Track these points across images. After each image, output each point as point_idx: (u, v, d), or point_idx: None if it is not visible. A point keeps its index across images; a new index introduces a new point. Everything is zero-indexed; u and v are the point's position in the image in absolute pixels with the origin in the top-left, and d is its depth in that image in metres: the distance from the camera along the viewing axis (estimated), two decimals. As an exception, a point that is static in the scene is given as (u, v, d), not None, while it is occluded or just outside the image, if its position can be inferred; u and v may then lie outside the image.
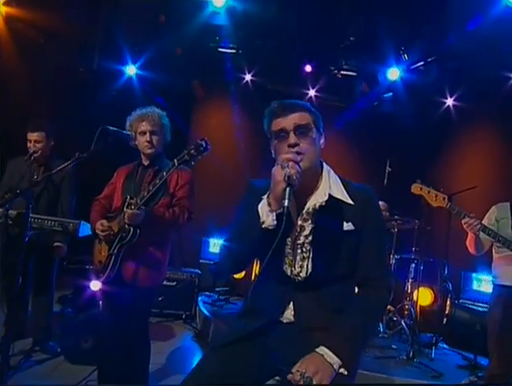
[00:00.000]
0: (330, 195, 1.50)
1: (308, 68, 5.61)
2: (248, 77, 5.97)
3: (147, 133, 2.58)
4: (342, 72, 5.32)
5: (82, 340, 3.12)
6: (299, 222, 1.52)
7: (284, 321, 1.54)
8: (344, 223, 1.50)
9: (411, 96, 5.38)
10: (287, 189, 1.33)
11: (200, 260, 5.50)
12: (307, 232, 1.51)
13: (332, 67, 5.39)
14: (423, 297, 4.62)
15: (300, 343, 1.45)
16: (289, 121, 1.49)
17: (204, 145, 2.21)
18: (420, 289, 4.22)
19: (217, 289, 5.13)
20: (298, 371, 1.34)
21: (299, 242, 1.53)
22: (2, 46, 4.63)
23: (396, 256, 4.41)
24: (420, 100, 5.48)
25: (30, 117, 3.48)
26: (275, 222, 1.38)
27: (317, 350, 1.39)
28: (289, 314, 1.53)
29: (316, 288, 1.51)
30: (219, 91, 6.01)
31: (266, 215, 1.39)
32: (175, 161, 2.28)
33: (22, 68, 4.67)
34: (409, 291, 4.37)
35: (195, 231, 5.29)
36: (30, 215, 2.89)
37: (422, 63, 4.89)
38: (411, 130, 5.29)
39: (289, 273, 1.55)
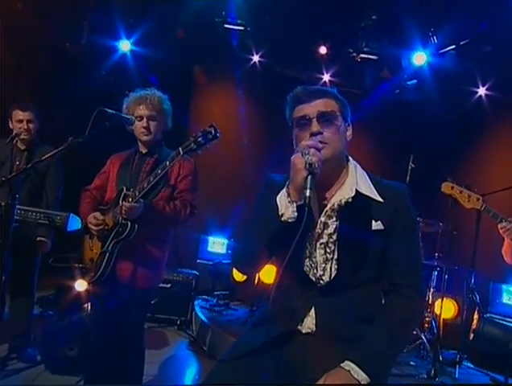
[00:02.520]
0: (357, 190, 1.49)
1: (323, 50, 5.55)
2: (256, 58, 5.90)
3: (144, 118, 2.53)
4: (361, 56, 5.27)
5: (66, 347, 3.07)
6: (322, 219, 1.50)
7: (304, 330, 1.51)
8: (373, 222, 1.49)
9: (439, 84, 5.33)
10: (309, 178, 1.32)
11: (198, 261, 5.48)
12: (331, 230, 1.50)
13: (351, 49, 5.34)
14: (447, 309, 4.58)
15: (322, 357, 1.43)
16: (312, 107, 1.49)
17: (213, 132, 2.14)
18: (443, 300, 4.18)
19: (216, 293, 5.11)
20: None
21: (322, 241, 1.51)
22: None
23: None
24: (449, 89, 5.41)
25: (11, 100, 3.43)
26: (296, 214, 1.37)
27: (342, 365, 1.37)
28: (310, 323, 1.51)
29: (341, 293, 1.50)
30: (223, 73, 5.96)
31: (286, 207, 1.38)
32: (180, 149, 2.23)
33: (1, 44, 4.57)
34: (430, 302, 4.33)
35: (192, 228, 5.23)
36: (14, 206, 2.89)
37: (453, 47, 4.82)
38: (438, 122, 5.24)
39: (310, 277, 1.53)
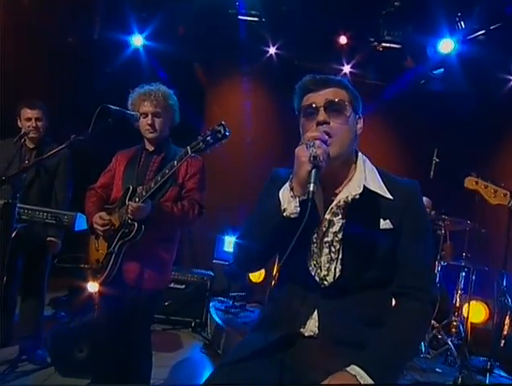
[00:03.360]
0: (365, 187, 1.46)
1: (343, 40, 5.48)
2: (272, 50, 5.86)
3: (149, 115, 2.53)
4: (383, 45, 5.20)
5: (75, 349, 3.10)
6: (328, 216, 1.48)
7: (306, 333, 1.48)
8: (381, 221, 1.46)
9: (468, 72, 5.21)
10: (313, 171, 1.30)
11: (214, 261, 5.48)
12: (336, 228, 1.47)
13: (372, 38, 5.26)
14: (476, 312, 4.48)
15: (325, 361, 1.40)
16: (320, 96, 1.47)
17: (223, 131, 2.11)
18: (472, 303, 4.09)
19: (232, 294, 5.09)
20: None
21: (326, 239, 1.49)
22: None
23: (442, 263, 4.27)
24: (478, 78, 5.27)
25: (20, 96, 3.49)
26: (298, 209, 1.35)
27: (348, 369, 1.33)
28: (312, 326, 1.48)
29: (345, 295, 1.47)
30: (237, 67, 5.92)
31: (288, 202, 1.36)
32: (189, 149, 2.21)
33: (10, 39, 4.65)
34: (458, 305, 4.24)
35: (207, 227, 5.23)
36: (19, 205, 2.93)
37: (482, 32, 4.67)
38: (466, 114, 5.10)
39: (314, 277, 1.50)
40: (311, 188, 1.29)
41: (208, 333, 4.52)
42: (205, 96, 6.12)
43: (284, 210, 1.37)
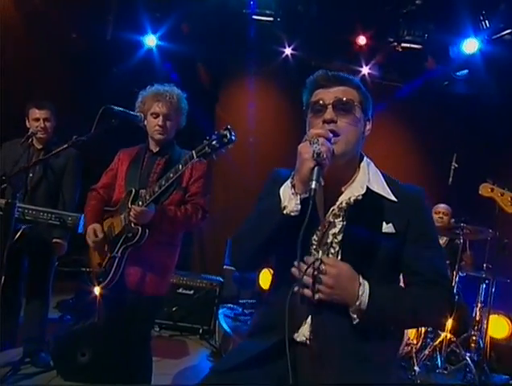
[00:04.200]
0: (368, 188, 1.47)
1: (362, 40, 5.45)
2: (288, 51, 5.87)
3: (161, 116, 2.55)
4: (403, 45, 5.13)
5: (78, 353, 3.14)
6: (329, 218, 1.49)
7: (298, 339, 1.48)
8: (384, 224, 1.46)
9: (493, 74, 5.09)
10: (315, 169, 1.31)
11: (224, 266, 5.47)
12: (336, 229, 1.48)
13: (391, 38, 5.19)
14: (497, 327, 4.37)
15: (317, 368, 1.40)
16: (330, 93, 1.48)
17: (229, 135, 2.12)
18: (493, 317, 4.01)
19: (242, 301, 5.09)
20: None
21: (325, 241, 1.49)
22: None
23: (461, 274, 4.18)
24: (504, 79, 5.14)
25: (30, 96, 3.57)
26: (299, 207, 1.36)
27: (361, 279, 1.39)
28: (305, 331, 1.47)
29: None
30: (251, 67, 5.93)
31: (289, 199, 1.37)
32: (194, 153, 2.22)
33: (22, 40, 4.76)
34: (477, 318, 4.13)
35: (219, 231, 5.27)
36: (23, 205, 3.00)
37: (508, 31, 4.58)
38: (490, 117, 4.99)
39: None
40: (313, 186, 1.30)
41: (216, 340, 4.52)
42: (218, 98, 6.16)
43: (284, 207, 1.37)
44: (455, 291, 4.01)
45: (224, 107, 6.12)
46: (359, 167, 1.54)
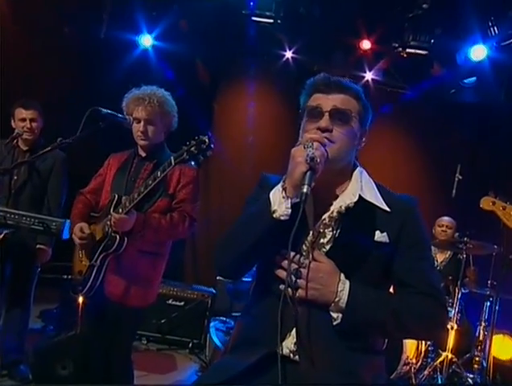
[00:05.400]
0: (361, 196, 1.48)
1: (366, 45, 5.45)
2: (288, 54, 5.86)
3: (142, 122, 2.54)
4: (408, 50, 5.12)
5: (58, 366, 3.11)
6: (319, 227, 1.49)
7: (283, 351, 1.45)
8: (376, 233, 1.47)
9: (503, 81, 5.08)
10: (308, 173, 1.33)
11: (217, 277, 5.44)
12: (325, 239, 1.48)
13: (396, 43, 5.19)
14: (502, 347, 4.36)
15: (302, 381, 1.40)
16: (329, 100, 1.49)
17: (207, 142, 2.14)
18: (498, 336, 3.97)
19: (235, 314, 5.04)
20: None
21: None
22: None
23: (464, 290, 4.16)
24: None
25: (17, 95, 3.57)
26: (289, 211, 1.37)
27: (342, 276, 1.42)
28: (289, 343, 1.45)
29: (328, 311, 1.44)
30: (250, 70, 5.96)
31: (280, 203, 1.39)
32: (172, 159, 2.24)
33: (11, 37, 4.74)
34: (481, 338, 4.12)
35: (213, 238, 5.24)
36: (6, 209, 2.99)
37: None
38: (498, 128, 4.98)
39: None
40: (305, 190, 1.31)
41: (206, 355, 4.47)
42: (215, 100, 6.15)
43: (274, 211, 1.38)
44: (457, 309, 4.00)
45: (221, 108, 6.11)
46: (351, 176, 1.55)
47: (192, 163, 2.39)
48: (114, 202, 2.47)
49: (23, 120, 3.37)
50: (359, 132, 1.53)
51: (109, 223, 2.41)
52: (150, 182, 2.31)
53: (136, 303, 2.49)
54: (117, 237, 2.39)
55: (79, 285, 2.52)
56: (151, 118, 2.54)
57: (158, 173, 2.29)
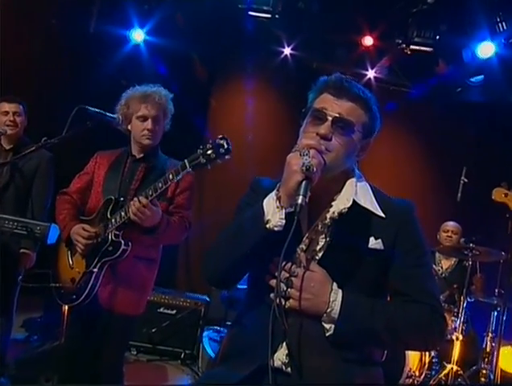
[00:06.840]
0: (355, 202, 1.48)
1: (368, 41, 5.47)
2: (287, 51, 5.88)
3: (149, 120, 2.53)
4: (412, 47, 5.13)
5: (42, 378, 3.10)
6: (311, 234, 1.50)
7: (275, 364, 1.44)
8: (370, 240, 1.47)
9: (510, 80, 5.09)
10: (303, 183, 1.34)
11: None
12: (318, 246, 1.49)
13: (400, 39, 5.21)
14: (510, 360, 4.35)
15: None
16: (336, 105, 1.48)
17: (226, 145, 2.09)
18: (504, 348, 3.95)
19: (229, 324, 5.02)
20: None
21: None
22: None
23: (470, 299, 4.15)
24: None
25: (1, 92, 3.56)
26: (283, 221, 1.38)
27: (334, 285, 1.43)
28: (281, 355, 1.45)
29: (320, 321, 1.44)
30: (246, 66, 5.95)
31: (273, 213, 1.39)
32: (187, 163, 2.19)
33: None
34: (488, 350, 4.10)
35: (207, 244, 5.18)
36: (-15, 213, 2.96)
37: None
38: (507, 128, 4.99)
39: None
40: (300, 201, 1.32)
41: (198, 366, 4.46)
42: (210, 97, 6.15)
43: (267, 221, 1.38)
44: (463, 318, 3.99)
45: (218, 105, 6.10)
46: (347, 181, 1.55)
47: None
48: (112, 205, 2.46)
49: (6, 113, 3.37)
50: (360, 144, 1.52)
51: (110, 226, 2.40)
52: (161, 185, 2.27)
53: (130, 311, 2.49)
54: (122, 243, 2.37)
55: (72, 293, 2.49)
56: (159, 115, 2.56)
57: (170, 176, 2.25)
